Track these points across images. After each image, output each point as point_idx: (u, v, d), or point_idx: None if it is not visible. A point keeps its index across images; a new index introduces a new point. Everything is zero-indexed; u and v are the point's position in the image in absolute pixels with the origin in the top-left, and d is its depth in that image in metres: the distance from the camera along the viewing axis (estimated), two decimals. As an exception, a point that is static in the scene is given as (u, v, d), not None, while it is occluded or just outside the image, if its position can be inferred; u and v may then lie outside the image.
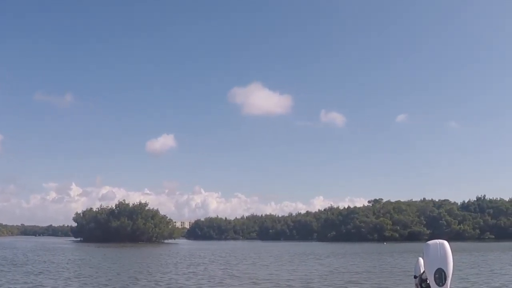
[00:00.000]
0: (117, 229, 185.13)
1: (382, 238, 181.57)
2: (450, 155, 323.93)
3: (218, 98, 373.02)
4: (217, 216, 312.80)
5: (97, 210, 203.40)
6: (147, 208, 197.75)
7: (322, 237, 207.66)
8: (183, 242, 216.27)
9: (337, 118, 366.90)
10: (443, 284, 4.80)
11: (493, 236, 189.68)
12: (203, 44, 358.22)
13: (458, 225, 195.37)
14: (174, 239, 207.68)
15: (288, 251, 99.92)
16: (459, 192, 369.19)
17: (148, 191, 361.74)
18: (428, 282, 5.00)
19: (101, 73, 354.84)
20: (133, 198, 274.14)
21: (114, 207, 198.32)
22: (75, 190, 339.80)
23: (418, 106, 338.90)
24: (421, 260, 5.49)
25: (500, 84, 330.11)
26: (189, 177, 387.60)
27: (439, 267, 4.81)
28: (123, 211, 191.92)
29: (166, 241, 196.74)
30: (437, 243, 4.94)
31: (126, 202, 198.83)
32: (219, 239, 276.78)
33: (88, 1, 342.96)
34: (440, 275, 4.80)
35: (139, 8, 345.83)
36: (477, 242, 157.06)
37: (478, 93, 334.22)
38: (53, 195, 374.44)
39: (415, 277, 5.58)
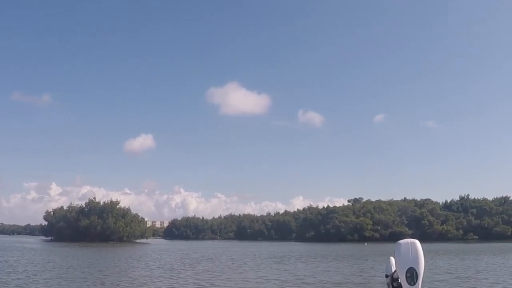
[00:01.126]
0: (87, 228, 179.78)
1: (363, 239, 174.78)
2: (429, 155, 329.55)
3: (196, 98, 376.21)
4: (194, 215, 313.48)
5: (67, 208, 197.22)
6: (118, 206, 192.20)
7: (301, 237, 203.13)
8: (157, 242, 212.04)
9: (315, 117, 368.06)
10: (414, 283, 4.80)
11: (477, 237, 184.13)
12: (180, 44, 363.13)
13: (441, 226, 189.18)
14: (147, 238, 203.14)
15: (257, 252, 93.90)
16: (440, 192, 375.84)
17: (128, 191, 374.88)
18: (399, 281, 4.98)
19: (79, 73, 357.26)
20: (113, 197, 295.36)
21: (84, 205, 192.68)
22: (55, 189, 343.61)
23: (395, 106, 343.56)
24: (392, 259, 5.42)
25: (477, 83, 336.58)
26: (169, 177, 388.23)
27: (411, 266, 4.81)
28: (93, 209, 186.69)
29: (138, 240, 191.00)
30: (408, 242, 4.94)
31: (97, 200, 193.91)
32: (196, 238, 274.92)
33: (65, 1, 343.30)
34: (412, 274, 4.80)
35: (117, 8, 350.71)
36: (460, 243, 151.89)
37: (455, 92, 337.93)
38: (33, 194, 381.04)
39: (386, 276, 5.53)
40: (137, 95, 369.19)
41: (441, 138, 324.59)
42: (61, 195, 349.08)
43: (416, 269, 4.81)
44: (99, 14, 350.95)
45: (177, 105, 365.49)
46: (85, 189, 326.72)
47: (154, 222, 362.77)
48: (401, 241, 5.03)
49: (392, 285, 5.39)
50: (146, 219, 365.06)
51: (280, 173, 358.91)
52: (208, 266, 52.32)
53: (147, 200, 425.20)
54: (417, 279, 4.81)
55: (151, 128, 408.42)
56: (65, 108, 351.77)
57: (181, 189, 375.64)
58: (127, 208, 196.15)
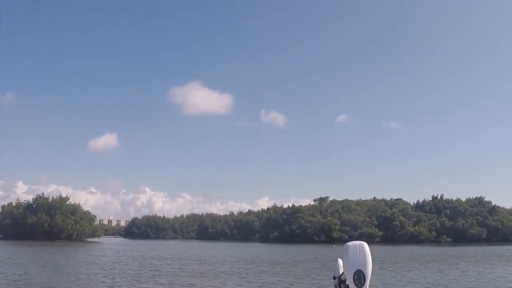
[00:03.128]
0: (34, 225, 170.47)
1: (330, 240, 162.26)
2: (393, 155, 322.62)
3: (158, 98, 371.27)
4: (156, 214, 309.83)
5: (15, 204, 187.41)
6: (67, 202, 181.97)
7: (265, 238, 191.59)
8: (112, 241, 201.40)
9: (277, 118, 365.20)
10: (362, 286, 4.71)
11: (450, 239, 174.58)
12: (141, 43, 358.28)
13: (413, 227, 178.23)
14: (98, 237, 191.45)
15: (203, 254, 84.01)
16: (409, 193, 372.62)
17: (94, 190, 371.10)
18: (347, 283, 4.84)
19: (43, 72, 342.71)
20: (79, 196, 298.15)
21: (31, 201, 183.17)
22: (21, 188, 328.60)
23: (358, 106, 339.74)
24: (340, 261, 5.33)
25: (442, 84, 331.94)
26: (134, 176, 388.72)
27: (358, 268, 4.73)
28: (41, 206, 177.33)
29: (90, 239, 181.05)
30: (356, 244, 4.84)
31: (46, 196, 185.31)
32: (157, 238, 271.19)
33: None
34: (359, 276, 4.71)
35: (79, 7, 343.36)
36: (433, 245, 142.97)
37: (417, 94, 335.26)
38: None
39: (334, 278, 5.44)
40: (100, 94, 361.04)
41: (405, 139, 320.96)
42: (27, 194, 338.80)
43: (364, 272, 4.68)
44: (61, 12, 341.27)
45: (140, 104, 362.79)
46: (51, 188, 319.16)
47: (119, 221, 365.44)
48: (349, 243, 4.85)
49: (340, 286, 5.22)
50: (111, 218, 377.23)
51: (245, 173, 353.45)
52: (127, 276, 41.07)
53: (113, 199, 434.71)
54: (364, 281, 4.68)
55: (115, 127, 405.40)
56: (29, 106, 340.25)
57: (147, 189, 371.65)
58: (77, 204, 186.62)
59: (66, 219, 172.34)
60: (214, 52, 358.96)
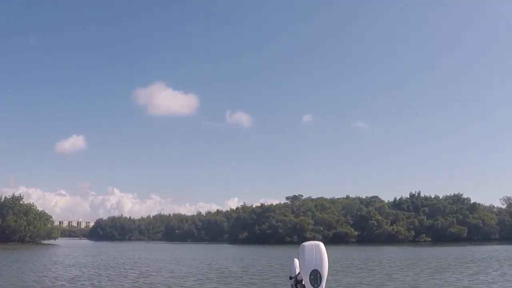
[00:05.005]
0: None
1: (303, 240, 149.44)
2: (362, 154, 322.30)
3: (122, 99, 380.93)
4: (122, 215, 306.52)
5: None
6: (21, 202, 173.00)
7: (233, 239, 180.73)
8: (73, 243, 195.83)
9: (243, 118, 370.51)
10: (318, 286, 4.71)
11: (430, 239, 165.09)
12: (106, 43, 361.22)
13: (390, 226, 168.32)
14: (55, 239, 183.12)
15: (148, 258, 76.42)
16: (383, 191, 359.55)
17: (64, 192, 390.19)
18: (303, 283, 4.88)
19: (8, 74, 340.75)
20: (49, 199, 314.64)
21: None
22: None
23: (323, 106, 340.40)
24: (296, 261, 5.29)
25: (407, 84, 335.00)
26: (103, 178, 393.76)
27: (315, 268, 4.74)
28: None
29: (46, 241, 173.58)
30: (312, 244, 4.85)
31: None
32: (123, 239, 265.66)
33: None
34: (316, 277, 4.72)
35: (46, 8, 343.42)
36: (412, 245, 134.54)
37: (386, 94, 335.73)
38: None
39: (290, 278, 5.37)
40: (67, 96, 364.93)
41: (371, 138, 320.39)
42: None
43: (320, 272, 4.68)
44: (24, 13, 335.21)
45: (105, 106, 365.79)
46: (21, 190, 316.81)
47: (88, 223, 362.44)
48: (305, 243, 4.87)
49: (296, 286, 5.18)
50: (80, 219, 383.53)
51: (214, 174, 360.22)
52: None
53: (82, 201, 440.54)
54: (321, 281, 4.68)
55: (82, 129, 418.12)
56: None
57: (116, 190, 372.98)
58: (30, 204, 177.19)
59: (19, 220, 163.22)
60: (178, 52, 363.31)
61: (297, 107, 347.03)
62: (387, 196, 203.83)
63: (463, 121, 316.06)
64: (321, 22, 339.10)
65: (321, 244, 4.79)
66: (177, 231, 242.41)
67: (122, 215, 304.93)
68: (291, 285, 5.29)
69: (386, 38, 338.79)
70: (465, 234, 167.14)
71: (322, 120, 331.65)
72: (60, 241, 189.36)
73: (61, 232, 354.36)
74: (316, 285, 4.61)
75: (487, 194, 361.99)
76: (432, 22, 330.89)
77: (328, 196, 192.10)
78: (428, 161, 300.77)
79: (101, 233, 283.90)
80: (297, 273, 5.14)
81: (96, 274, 48.32)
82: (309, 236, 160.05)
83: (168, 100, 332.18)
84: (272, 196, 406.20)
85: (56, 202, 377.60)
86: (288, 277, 5.36)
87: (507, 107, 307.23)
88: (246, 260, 69.52)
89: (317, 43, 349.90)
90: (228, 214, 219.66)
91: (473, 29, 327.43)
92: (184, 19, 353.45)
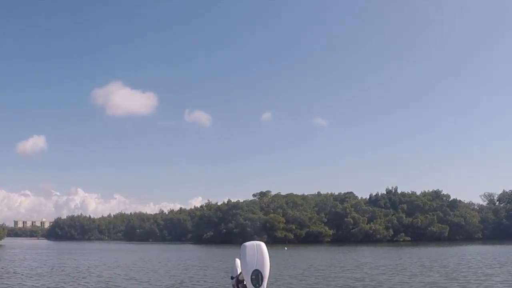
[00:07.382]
0: None
1: (274, 240, 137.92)
2: (320, 152, 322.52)
3: (81, 99, 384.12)
4: (81, 214, 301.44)
5: None
6: None
7: (198, 238, 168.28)
8: (24, 243, 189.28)
9: (202, 117, 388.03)
10: (259, 285, 4.90)
11: (409, 238, 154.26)
12: (63, 43, 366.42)
13: (367, 224, 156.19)
14: (0, 239, 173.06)
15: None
16: (357, 188, 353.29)
17: (28, 192, 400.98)
18: (244, 283, 5.07)
19: None
20: (14, 199, 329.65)
21: None
22: None
23: (282, 104, 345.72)
24: (238, 261, 5.45)
25: (369, 80, 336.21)
26: (66, 178, 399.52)
27: (256, 268, 4.93)
28: None
29: None
30: (254, 244, 5.06)
31: None
32: (82, 239, 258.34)
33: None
34: (257, 276, 4.91)
35: (5, 8, 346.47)
36: (391, 246, 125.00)
37: (345, 91, 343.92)
38: None
39: (232, 278, 5.56)
40: (26, 97, 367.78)
41: (331, 135, 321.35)
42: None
43: (262, 272, 4.87)
44: None
45: (65, 106, 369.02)
46: None
47: (52, 222, 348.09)
48: (247, 243, 5.06)
49: (237, 286, 5.35)
50: (44, 219, 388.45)
51: (176, 173, 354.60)
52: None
53: (46, 202, 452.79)
54: (262, 281, 4.87)
55: (42, 129, 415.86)
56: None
57: (80, 190, 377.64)
58: None
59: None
60: (135, 51, 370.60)
61: (256, 105, 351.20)
62: (362, 193, 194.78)
63: (439, 116, 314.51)
64: (280, 21, 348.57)
65: (263, 244, 4.94)
66: (138, 230, 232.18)
67: (81, 214, 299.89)
68: (233, 285, 5.31)
69: (349, 34, 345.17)
70: (447, 233, 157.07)
71: (281, 117, 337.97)
72: (7, 241, 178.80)
73: (23, 232, 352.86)
74: (257, 285, 4.73)
75: (466, 191, 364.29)
76: (395, 17, 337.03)
77: (298, 193, 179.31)
78: (403, 157, 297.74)
79: (60, 233, 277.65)
80: (238, 273, 5.18)
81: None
82: (280, 235, 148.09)
83: (126, 99, 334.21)
84: (238, 195, 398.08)
85: (21, 202, 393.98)
86: (230, 277, 5.36)
87: (488, 101, 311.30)
88: (189, 261, 67.82)
89: (276, 42, 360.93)
90: (192, 213, 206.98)
91: (443, 22, 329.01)
92: (140, 19, 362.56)
